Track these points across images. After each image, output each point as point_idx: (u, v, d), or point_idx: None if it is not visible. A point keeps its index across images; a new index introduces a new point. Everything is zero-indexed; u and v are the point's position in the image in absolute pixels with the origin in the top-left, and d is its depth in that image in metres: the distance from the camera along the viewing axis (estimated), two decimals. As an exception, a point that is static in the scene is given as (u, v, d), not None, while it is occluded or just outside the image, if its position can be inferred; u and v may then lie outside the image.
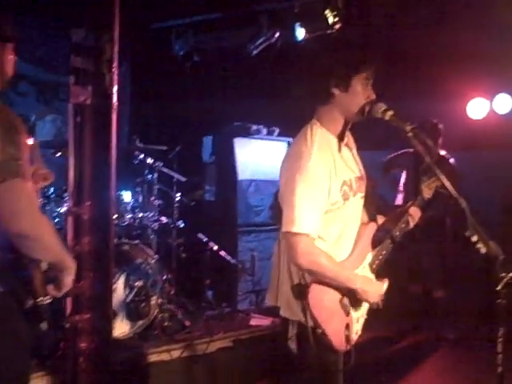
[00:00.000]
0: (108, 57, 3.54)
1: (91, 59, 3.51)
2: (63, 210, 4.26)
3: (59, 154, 4.32)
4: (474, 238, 2.16)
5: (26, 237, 1.98)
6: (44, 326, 2.22)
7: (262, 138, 6.09)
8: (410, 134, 2.18)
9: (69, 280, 2.17)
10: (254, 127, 5.97)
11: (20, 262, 2.07)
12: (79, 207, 3.47)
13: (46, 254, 2.08)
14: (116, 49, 3.53)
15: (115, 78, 3.49)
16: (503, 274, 2.14)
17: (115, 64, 3.50)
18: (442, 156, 5.43)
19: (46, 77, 6.03)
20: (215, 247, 5.32)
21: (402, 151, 5.60)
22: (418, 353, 5.32)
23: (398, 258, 5.87)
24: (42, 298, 2.14)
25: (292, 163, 2.35)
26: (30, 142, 2.27)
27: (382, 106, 2.29)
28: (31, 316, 2.14)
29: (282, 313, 2.49)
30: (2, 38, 2.16)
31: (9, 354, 2.14)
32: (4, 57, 2.17)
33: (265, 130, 6.08)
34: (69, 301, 3.55)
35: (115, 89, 3.49)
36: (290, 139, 6.35)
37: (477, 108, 6.34)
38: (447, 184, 2.17)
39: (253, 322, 4.86)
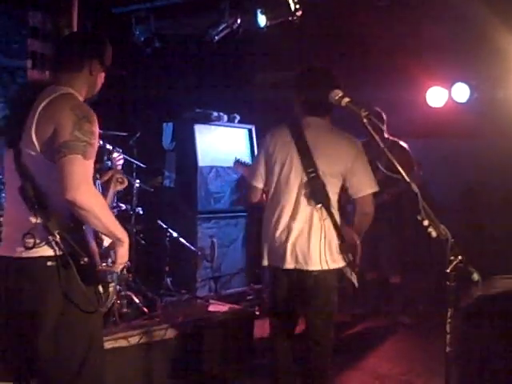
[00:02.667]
0: (66, 41, 3.47)
1: (49, 43, 3.46)
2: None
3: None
4: (426, 223, 2.21)
5: (77, 206, 2.30)
6: (100, 289, 2.58)
7: (222, 125, 6.11)
8: (365, 120, 2.22)
9: (121, 251, 2.52)
10: (215, 114, 5.97)
11: (79, 230, 2.42)
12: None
13: (96, 224, 2.39)
14: (74, 33, 3.47)
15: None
16: (452, 257, 2.21)
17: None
18: (395, 141, 5.54)
19: (3, 61, 5.91)
20: (175, 234, 5.31)
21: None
22: (373, 337, 5.43)
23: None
24: (101, 264, 2.51)
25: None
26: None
27: (338, 93, 2.32)
28: (88, 275, 2.45)
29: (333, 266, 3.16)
30: (103, 65, 2.65)
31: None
32: (99, 79, 2.68)
33: (225, 117, 6.09)
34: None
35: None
36: (251, 126, 6.37)
37: (436, 96, 6.45)
38: (400, 169, 2.21)
39: (211, 309, 4.87)
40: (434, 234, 2.22)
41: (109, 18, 5.98)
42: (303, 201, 3.15)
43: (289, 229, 3.18)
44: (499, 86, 6.06)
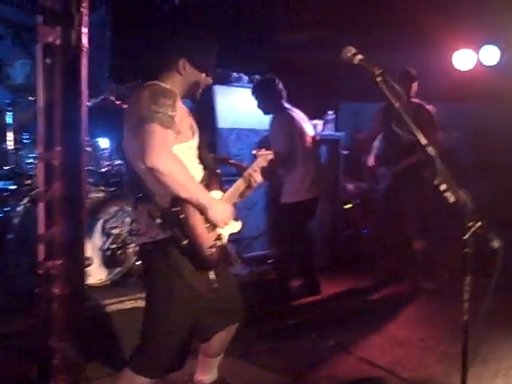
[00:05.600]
0: (77, -4, 3.39)
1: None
2: (37, 155, 4.20)
3: (33, 98, 4.23)
4: (443, 187, 2.13)
5: (157, 171, 2.38)
6: (212, 275, 2.76)
7: (243, 86, 5.99)
8: (378, 79, 2.12)
9: (211, 216, 2.59)
10: (235, 75, 5.86)
11: (179, 212, 2.49)
12: (49, 152, 3.39)
13: (177, 189, 2.44)
14: (86, -13, 3.39)
15: (85, 18, 3.36)
16: (471, 223, 2.12)
17: (84, 4, 3.36)
18: (420, 104, 5.35)
19: (22, 19, 5.85)
20: (194, 196, 5.28)
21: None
22: (395, 303, 5.39)
23: (379, 207, 5.86)
24: (210, 248, 2.63)
25: None
26: None
27: (351, 50, 2.22)
28: (192, 258, 2.58)
29: None
30: (197, 67, 2.71)
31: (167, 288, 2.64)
32: (192, 80, 2.73)
33: (246, 78, 5.97)
34: (41, 247, 3.51)
35: (85, 30, 3.37)
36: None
37: (463, 59, 6.25)
38: (416, 131, 2.11)
39: (232, 271, 4.85)
40: (451, 198, 2.14)
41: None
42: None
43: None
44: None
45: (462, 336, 2.29)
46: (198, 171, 2.70)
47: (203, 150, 2.77)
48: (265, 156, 3.06)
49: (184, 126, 2.60)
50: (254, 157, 3.07)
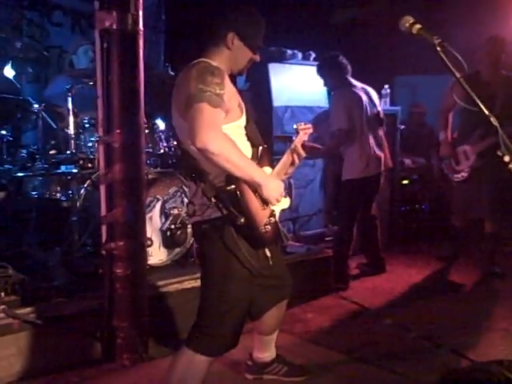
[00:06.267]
0: (132, -20, 3.42)
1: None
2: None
3: (92, 83, 4.30)
4: (507, 159, 2.06)
5: (208, 151, 2.38)
6: (268, 252, 2.81)
7: (297, 63, 5.94)
8: (438, 49, 2.05)
9: (265, 194, 2.57)
10: (289, 52, 5.81)
11: (234, 191, 2.50)
12: (109, 135, 3.46)
13: (230, 168, 2.43)
14: (140, -28, 3.42)
15: (140, 2, 3.40)
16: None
17: (139, -13, 3.40)
18: (509, 76, 4.92)
19: (81, 6, 5.96)
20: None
21: None
22: (455, 282, 5.32)
23: (457, 189, 5.57)
24: (265, 226, 2.66)
25: None
26: None
27: (409, 19, 2.15)
28: (248, 236, 2.60)
29: None
30: (245, 43, 2.69)
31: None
32: (240, 57, 2.72)
33: (300, 55, 5.92)
34: (103, 228, 3.60)
35: (141, 13, 3.41)
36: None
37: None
38: (478, 101, 2.04)
39: (289, 249, 4.87)
40: (515, 170, 2.07)
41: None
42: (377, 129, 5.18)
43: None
44: None
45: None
46: (247, 149, 2.68)
47: (251, 127, 2.76)
48: (305, 130, 2.97)
49: (233, 105, 2.60)
50: (296, 131, 2.97)
